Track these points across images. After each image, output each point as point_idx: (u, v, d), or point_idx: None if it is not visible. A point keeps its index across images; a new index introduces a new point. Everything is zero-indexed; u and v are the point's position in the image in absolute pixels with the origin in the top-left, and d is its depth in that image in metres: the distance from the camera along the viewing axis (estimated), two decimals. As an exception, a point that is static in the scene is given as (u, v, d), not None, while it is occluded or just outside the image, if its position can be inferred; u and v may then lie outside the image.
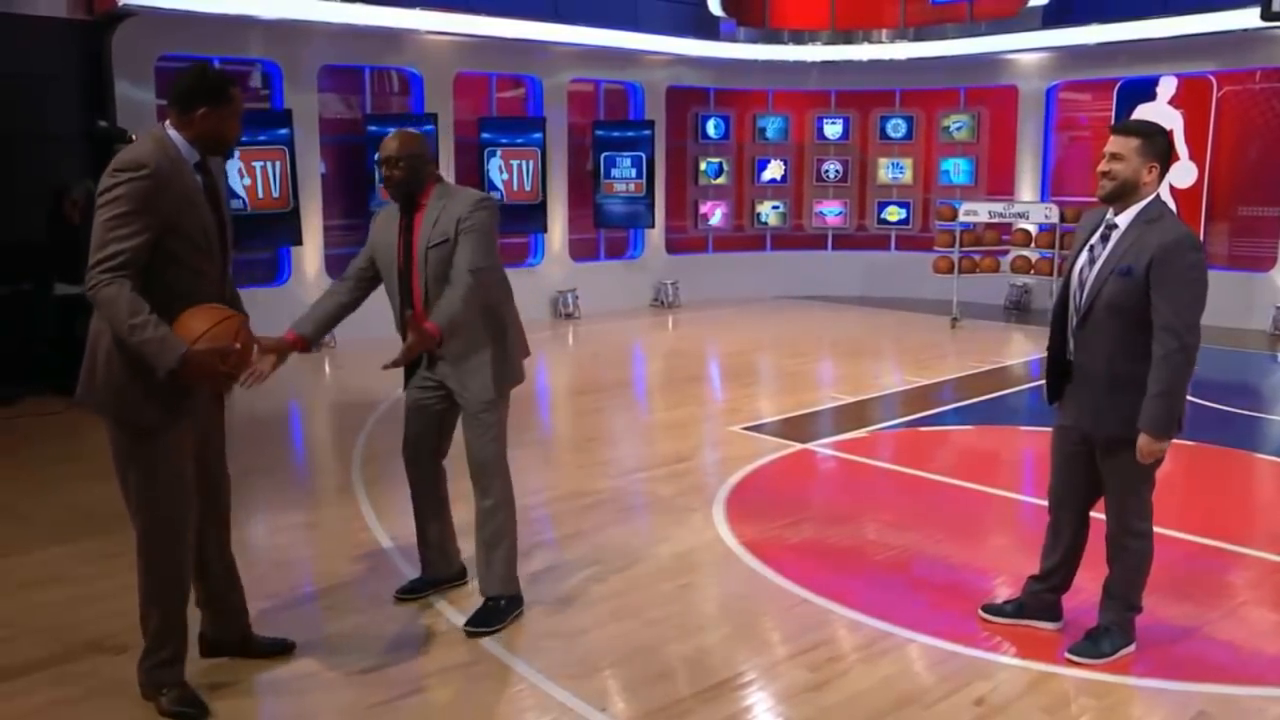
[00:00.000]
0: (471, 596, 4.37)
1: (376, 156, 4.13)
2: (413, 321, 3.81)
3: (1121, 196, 3.64)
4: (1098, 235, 3.73)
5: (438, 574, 4.49)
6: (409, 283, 4.06)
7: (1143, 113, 11.84)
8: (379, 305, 4.23)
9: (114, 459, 3.35)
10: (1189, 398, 3.73)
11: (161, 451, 3.29)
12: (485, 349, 4.09)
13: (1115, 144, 3.64)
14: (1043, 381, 4.06)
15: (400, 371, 4.09)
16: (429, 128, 11.30)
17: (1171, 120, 11.73)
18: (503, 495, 4.21)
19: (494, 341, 4.11)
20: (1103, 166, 3.66)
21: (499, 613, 4.17)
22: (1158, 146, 3.63)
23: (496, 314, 4.12)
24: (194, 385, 3.24)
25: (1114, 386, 3.64)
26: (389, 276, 4.12)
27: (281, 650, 3.91)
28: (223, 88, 3.26)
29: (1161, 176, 3.65)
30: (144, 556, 3.39)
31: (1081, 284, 3.73)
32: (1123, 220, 3.66)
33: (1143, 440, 3.57)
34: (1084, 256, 3.76)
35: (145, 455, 3.28)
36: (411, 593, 4.44)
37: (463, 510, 4.47)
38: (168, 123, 3.26)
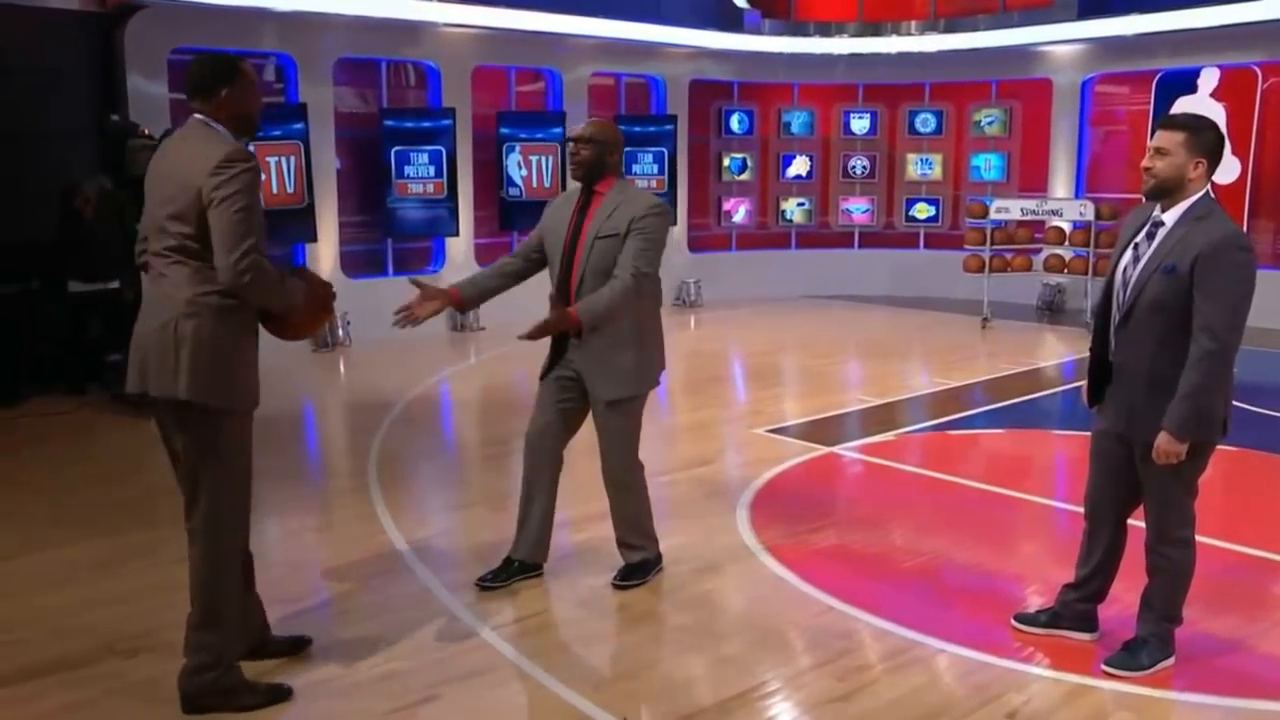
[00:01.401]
0: (504, 599, 4.33)
1: (567, 136, 4.44)
2: (555, 301, 4.11)
3: (1165, 193, 3.55)
4: (1143, 233, 3.65)
5: (525, 558, 4.54)
6: (570, 265, 4.24)
7: (1183, 106, 11.56)
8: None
9: (201, 453, 3.38)
10: (1234, 402, 3.64)
11: (248, 435, 3.48)
12: (624, 353, 4.24)
13: (1160, 138, 3.56)
14: (1080, 383, 3.92)
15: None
16: (446, 122, 11.23)
17: (1214, 114, 11.32)
18: (636, 496, 4.47)
19: (633, 347, 4.25)
20: (1145, 162, 3.58)
21: (638, 571, 4.51)
22: (1205, 141, 3.53)
23: (642, 321, 4.29)
24: (310, 320, 3.60)
25: (1154, 388, 3.55)
26: (554, 257, 4.32)
27: (298, 646, 3.93)
28: (233, 64, 3.44)
29: (1210, 172, 3.55)
30: (224, 548, 3.45)
31: (1125, 283, 3.65)
32: (1169, 217, 3.57)
33: (1162, 438, 3.50)
34: (1128, 255, 3.67)
35: (236, 440, 3.43)
36: (494, 579, 4.49)
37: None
38: (199, 116, 3.40)
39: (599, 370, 4.25)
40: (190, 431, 3.36)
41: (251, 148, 3.59)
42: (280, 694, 3.58)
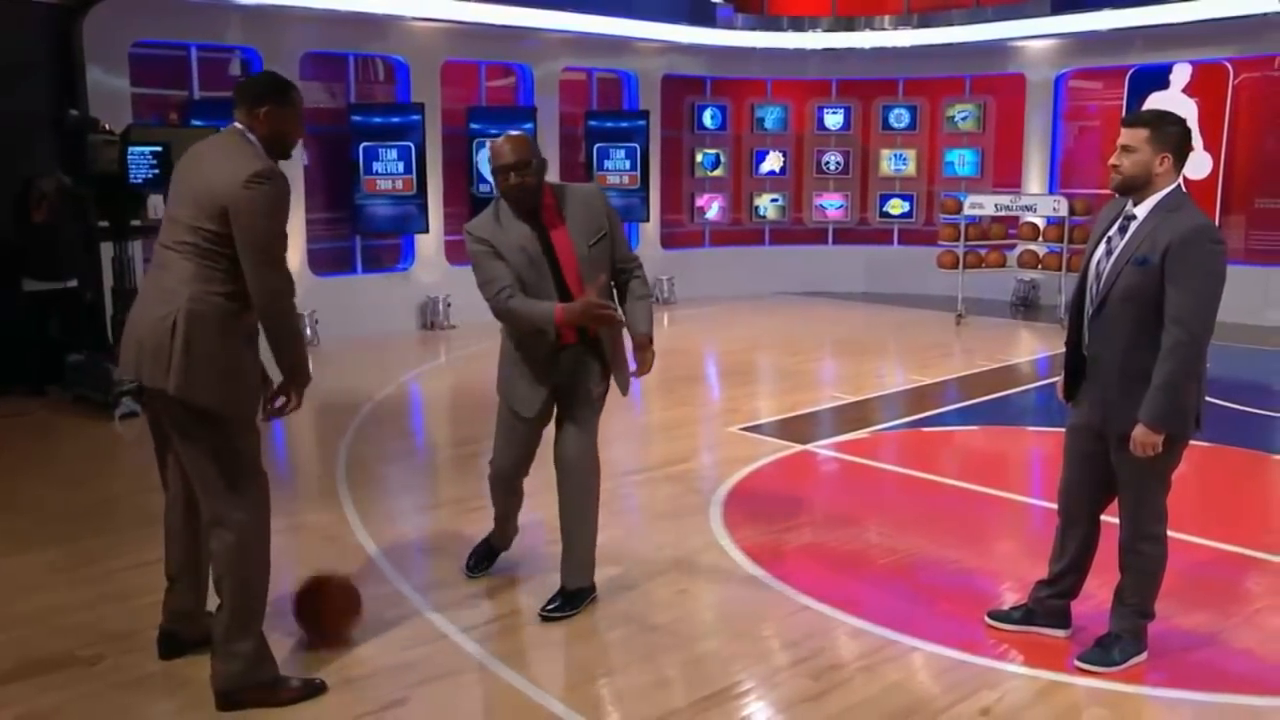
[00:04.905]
0: (474, 601, 4.36)
1: (491, 164, 3.99)
2: (639, 346, 4.09)
3: (1133, 189, 3.60)
4: (1115, 226, 3.68)
5: (502, 545, 4.68)
6: (563, 283, 4.02)
7: (1156, 101, 11.61)
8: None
9: (204, 451, 3.38)
10: (1206, 397, 3.66)
11: (255, 439, 3.50)
12: (608, 340, 4.15)
13: (1124, 136, 3.60)
14: (1053, 380, 3.92)
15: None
16: (415, 118, 11.10)
17: (1186, 109, 11.42)
18: (593, 495, 4.28)
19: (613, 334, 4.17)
20: (1113, 159, 3.62)
21: (572, 600, 4.24)
22: (1169, 136, 3.56)
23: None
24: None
25: (1127, 380, 3.58)
26: (538, 285, 4.00)
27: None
28: (284, 86, 3.52)
29: (1177, 166, 3.58)
30: (248, 539, 3.46)
31: (1098, 276, 3.68)
32: (1141, 211, 3.60)
33: (1138, 430, 3.52)
34: (1101, 248, 3.70)
35: (246, 434, 3.46)
36: (478, 569, 4.63)
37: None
38: (238, 125, 3.46)
39: (590, 363, 4.16)
40: (186, 428, 3.37)
41: None
42: (314, 689, 3.57)
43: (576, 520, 4.25)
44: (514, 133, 4.02)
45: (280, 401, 3.53)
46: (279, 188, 3.31)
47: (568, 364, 4.14)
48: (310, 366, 3.55)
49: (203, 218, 3.27)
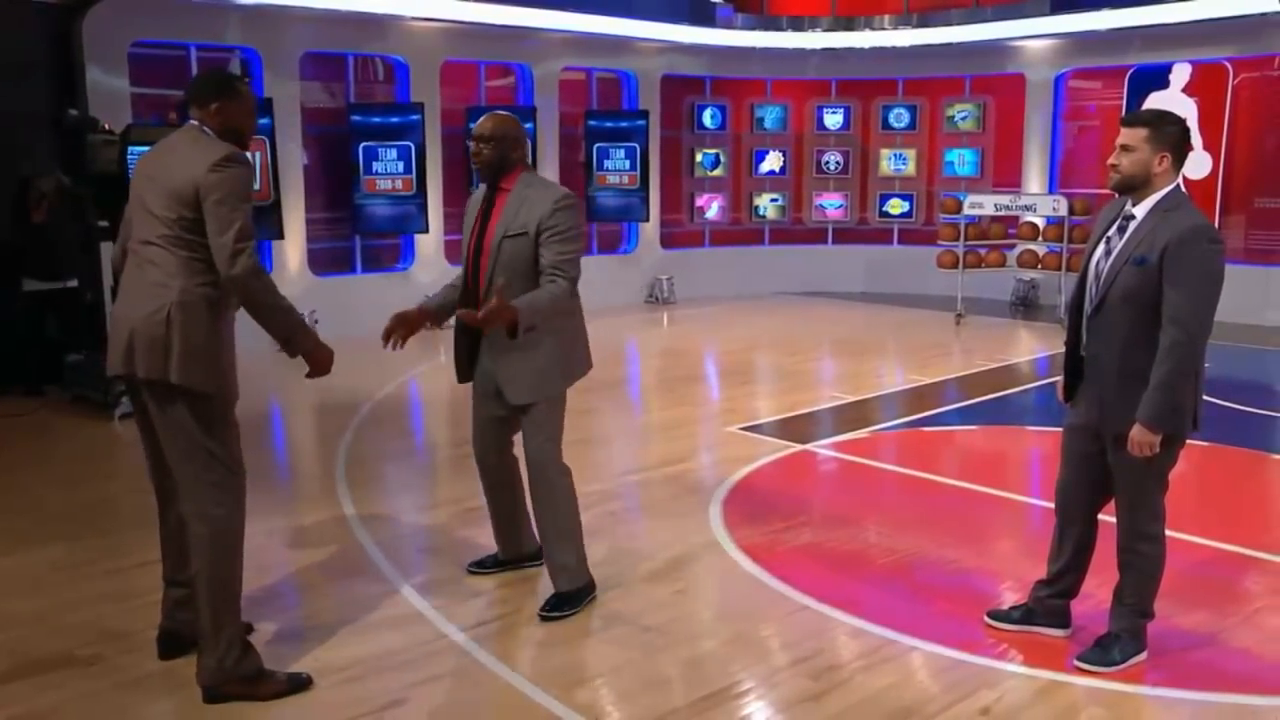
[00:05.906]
0: (473, 601, 4.37)
1: (470, 132, 4.15)
2: (501, 292, 3.79)
3: (1132, 189, 3.61)
4: (1115, 227, 3.69)
5: (509, 556, 4.64)
6: (477, 264, 4.11)
7: (1155, 101, 11.63)
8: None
9: (191, 442, 3.45)
10: (1204, 396, 3.66)
11: (236, 432, 3.58)
12: (543, 351, 4.09)
13: (1124, 135, 3.61)
14: (1053, 380, 3.90)
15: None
16: (415, 117, 11.09)
17: (1185, 109, 11.44)
18: (560, 495, 4.21)
19: (546, 349, 4.10)
20: (1112, 159, 3.65)
21: (569, 601, 4.25)
22: (1167, 135, 3.58)
23: (556, 321, 4.12)
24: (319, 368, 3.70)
25: (1125, 380, 3.58)
26: (463, 258, 4.20)
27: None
28: (230, 81, 3.63)
29: (1176, 166, 3.59)
30: (227, 537, 3.53)
31: (1097, 276, 3.68)
32: (1140, 211, 3.61)
33: (1135, 430, 3.52)
34: (1100, 248, 3.71)
35: (228, 428, 3.55)
36: (481, 567, 4.64)
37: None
38: (193, 122, 3.57)
39: (515, 375, 4.10)
40: (177, 417, 3.43)
41: None
42: (299, 684, 3.61)
43: (545, 525, 4.25)
44: (502, 112, 4.21)
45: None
46: (245, 170, 3.45)
47: (480, 356, 4.25)
48: (311, 334, 3.62)
49: (179, 206, 3.38)
